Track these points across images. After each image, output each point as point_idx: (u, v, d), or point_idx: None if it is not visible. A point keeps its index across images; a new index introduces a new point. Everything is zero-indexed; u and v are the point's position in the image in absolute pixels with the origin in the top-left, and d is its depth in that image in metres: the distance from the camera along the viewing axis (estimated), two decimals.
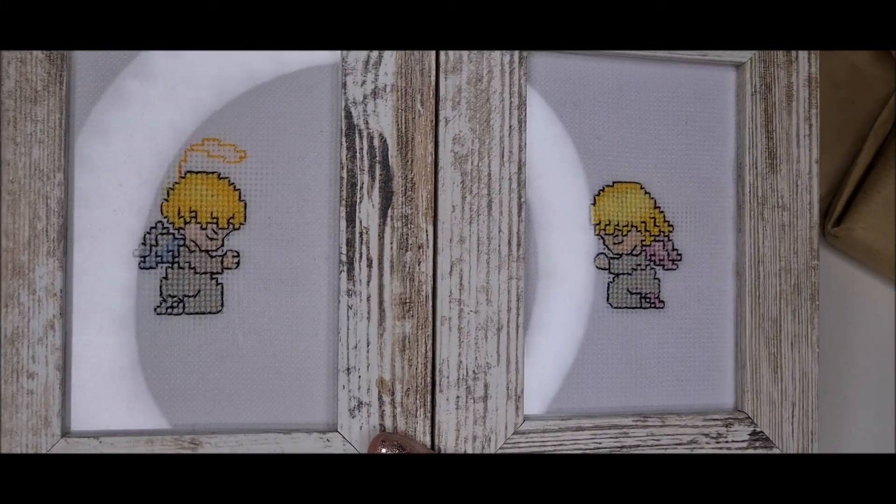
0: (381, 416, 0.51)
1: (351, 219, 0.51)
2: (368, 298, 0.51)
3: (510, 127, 0.53)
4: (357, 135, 0.51)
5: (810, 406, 0.57)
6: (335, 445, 0.50)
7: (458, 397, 0.52)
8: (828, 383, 0.69)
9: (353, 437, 0.50)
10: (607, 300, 0.56)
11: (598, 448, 0.53)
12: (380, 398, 0.51)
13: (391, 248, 0.51)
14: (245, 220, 0.51)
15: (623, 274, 0.56)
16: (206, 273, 0.50)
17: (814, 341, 0.57)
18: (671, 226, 0.57)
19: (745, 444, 0.55)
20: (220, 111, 0.51)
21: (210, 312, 0.50)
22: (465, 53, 0.52)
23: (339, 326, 0.51)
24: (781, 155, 0.57)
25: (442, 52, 0.52)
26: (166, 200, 0.50)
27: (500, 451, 0.52)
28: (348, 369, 0.50)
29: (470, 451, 0.52)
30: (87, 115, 0.49)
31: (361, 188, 0.51)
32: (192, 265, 0.50)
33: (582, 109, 0.55)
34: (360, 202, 0.51)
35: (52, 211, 0.47)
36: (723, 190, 0.57)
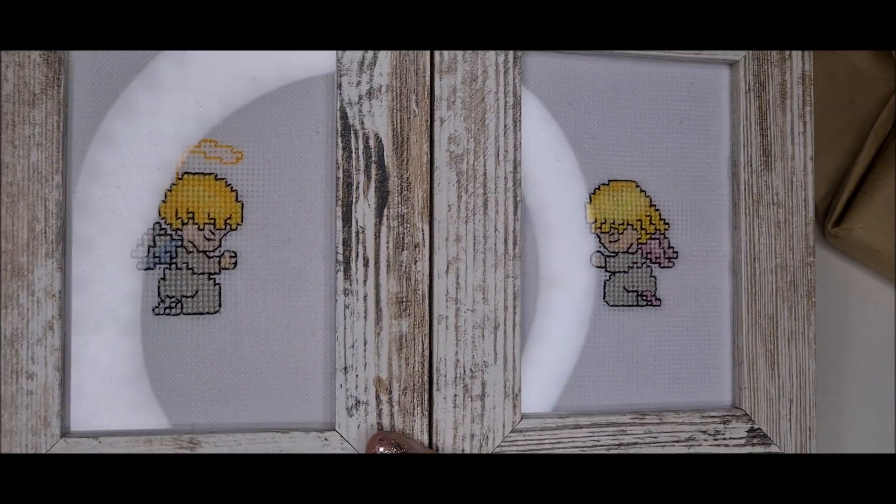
0: (379, 414, 0.51)
1: (347, 218, 0.51)
2: (365, 298, 0.51)
3: (505, 126, 0.53)
4: (353, 135, 0.51)
5: (808, 403, 0.57)
6: (333, 444, 0.50)
7: (455, 396, 0.52)
8: (828, 383, 0.69)
9: (350, 436, 0.50)
10: (604, 298, 0.56)
11: (595, 446, 0.53)
12: (377, 397, 0.51)
13: (387, 247, 0.51)
14: (242, 221, 0.51)
15: (619, 272, 0.56)
16: (203, 273, 0.51)
17: (810, 338, 0.57)
18: (667, 224, 0.57)
19: (742, 441, 0.55)
20: (221, 117, 0.51)
21: (208, 313, 0.51)
22: (459, 53, 0.52)
23: (336, 326, 0.51)
24: (776, 152, 0.57)
25: (436, 53, 0.52)
26: (164, 202, 0.50)
27: (497, 450, 0.52)
28: (346, 368, 0.51)
29: (468, 450, 0.52)
30: (94, 123, 0.49)
31: (357, 188, 0.51)
32: (190, 266, 0.50)
33: (577, 109, 0.56)
34: (357, 202, 0.51)
35: (50, 213, 0.48)
36: (718, 188, 0.58)
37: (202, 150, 0.51)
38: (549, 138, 0.55)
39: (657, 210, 0.57)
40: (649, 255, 0.56)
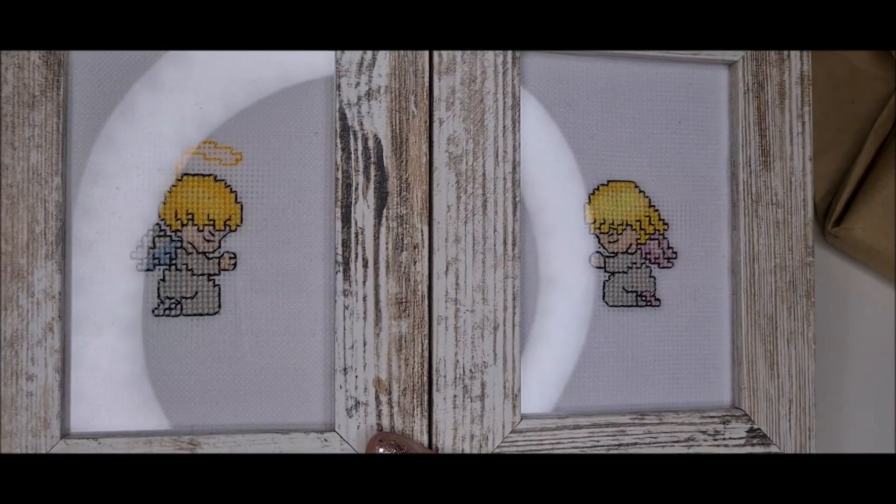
0: (379, 415, 0.51)
1: (346, 219, 0.51)
2: (364, 298, 0.51)
3: (504, 127, 0.53)
4: (352, 136, 0.51)
5: (807, 403, 0.57)
6: (333, 445, 0.50)
7: (455, 396, 0.52)
8: (827, 383, 0.69)
9: (350, 437, 0.50)
10: (603, 299, 0.56)
11: (595, 446, 0.53)
12: (377, 398, 0.51)
13: (387, 248, 0.51)
14: (241, 222, 0.51)
15: (618, 272, 0.56)
16: (203, 275, 0.51)
17: (810, 338, 0.57)
18: (666, 224, 0.57)
19: (742, 442, 0.55)
20: (220, 118, 0.51)
21: (207, 314, 0.51)
22: (458, 54, 0.52)
23: (335, 327, 0.51)
24: (775, 152, 0.57)
25: (435, 54, 0.52)
26: (163, 203, 0.50)
27: (497, 450, 0.52)
28: (345, 369, 0.51)
29: (467, 450, 0.52)
30: (97, 125, 0.50)
31: (357, 189, 0.51)
32: (190, 267, 0.50)
33: (576, 109, 0.56)
34: (356, 203, 0.51)
35: (50, 214, 0.48)
36: (717, 188, 0.58)
37: (202, 151, 0.51)
38: (548, 139, 0.55)
39: (656, 210, 0.57)
40: (648, 256, 0.56)
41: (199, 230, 0.51)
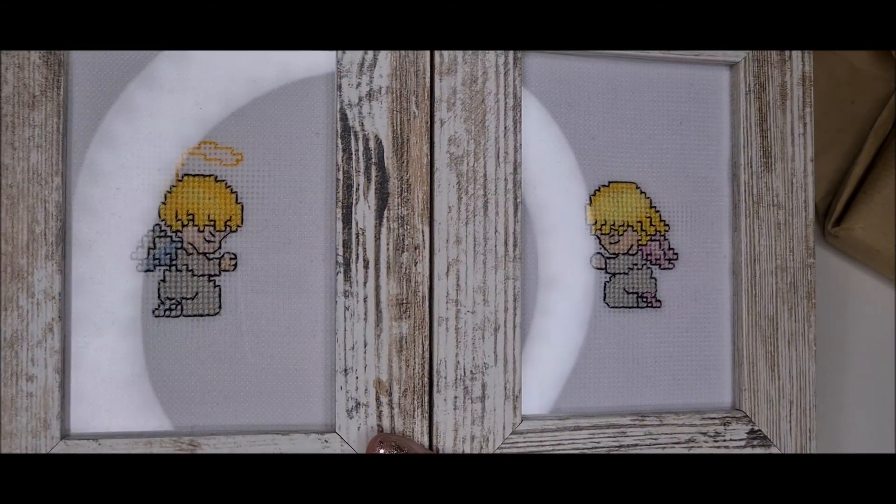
0: (379, 416, 0.51)
1: (347, 220, 0.51)
2: (365, 299, 0.51)
3: (505, 128, 0.53)
4: (353, 137, 0.51)
5: (808, 404, 0.57)
6: (333, 446, 0.50)
7: (455, 397, 0.52)
8: (827, 383, 0.69)
9: (350, 438, 0.50)
10: (604, 300, 0.56)
11: (596, 448, 0.53)
12: (377, 399, 0.51)
13: (387, 249, 0.51)
14: (242, 223, 0.51)
15: (619, 273, 0.56)
16: (203, 275, 0.51)
17: (810, 339, 0.57)
18: (667, 225, 0.57)
19: (742, 443, 0.55)
20: (220, 118, 0.51)
21: (208, 314, 0.51)
22: (459, 55, 0.52)
23: (336, 327, 0.51)
24: (776, 154, 0.57)
25: (436, 54, 0.52)
26: (164, 204, 0.50)
27: (498, 451, 0.52)
28: (346, 370, 0.51)
29: (468, 452, 0.52)
30: (93, 123, 0.49)
31: (357, 190, 0.51)
32: (190, 268, 0.50)
33: (577, 110, 0.56)
34: (357, 204, 0.51)
35: (50, 215, 0.48)
36: (718, 189, 0.58)
37: (202, 151, 0.51)
38: (549, 140, 0.55)
39: (657, 211, 0.57)
40: (649, 257, 0.56)
41: (199, 231, 0.51)
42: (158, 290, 0.50)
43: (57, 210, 0.48)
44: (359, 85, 0.51)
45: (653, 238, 0.56)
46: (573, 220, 0.55)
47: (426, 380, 0.52)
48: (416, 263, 0.52)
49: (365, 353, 0.51)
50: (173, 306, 0.50)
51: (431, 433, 0.52)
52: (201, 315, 0.50)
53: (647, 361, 0.56)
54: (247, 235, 0.51)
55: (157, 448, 0.48)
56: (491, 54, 0.53)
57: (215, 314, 0.51)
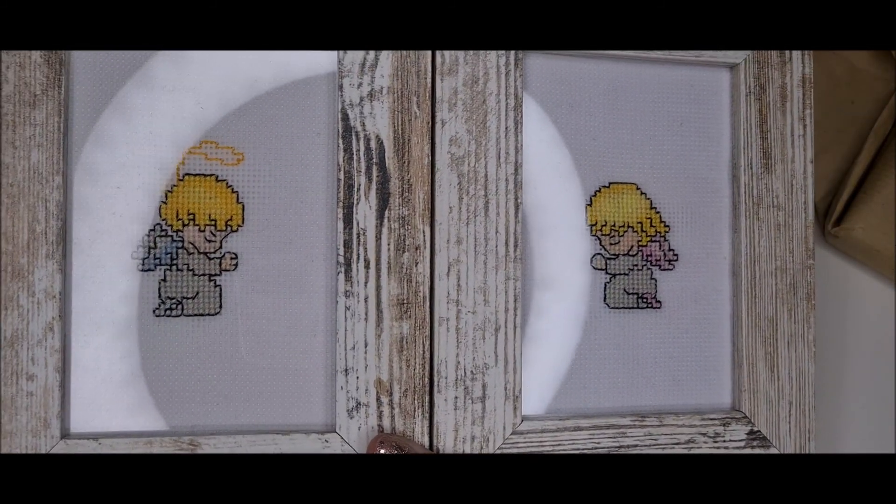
0: (380, 416, 0.51)
1: (348, 220, 0.51)
2: (366, 299, 0.51)
3: (506, 128, 0.53)
4: (354, 137, 0.51)
5: (807, 405, 0.57)
6: (333, 446, 0.50)
7: (456, 398, 0.52)
8: (827, 383, 0.69)
9: (351, 438, 0.50)
10: (604, 301, 0.56)
11: (596, 448, 0.53)
12: (378, 399, 0.51)
13: (388, 249, 0.51)
14: (243, 222, 0.51)
15: (620, 274, 0.56)
16: (204, 275, 0.51)
17: (810, 340, 0.57)
18: (667, 226, 0.57)
19: (742, 444, 0.56)
20: (219, 119, 0.51)
21: (208, 314, 0.51)
22: (460, 55, 0.52)
23: (336, 327, 0.51)
24: (776, 155, 0.57)
25: (438, 55, 0.52)
26: (164, 203, 0.50)
27: (498, 452, 0.52)
28: (346, 370, 0.51)
29: (468, 452, 0.52)
30: (89, 123, 0.49)
31: (358, 190, 0.51)
32: (191, 267, 0.50)
33: (577, 111, 0.56)
34: (358, 204, 0.51)
35: (50, 214, 0.48)
36: (718, 190, 0.58)
37: (203, 151, 0.51)
38: (549, 140, 0.55)
39: (657, 212, 0.57)
40: (650, 258, 0.56)
41: (200, 230, 0.51)
42: (159, 289, 0.50)
43: (58, 209, 0.48)
44: (360, 85, 0.51)
45: (653, 239, 0.57)
46: (573, 221, 0.55)
47: (427, 380, 0.52)
48: (416, 264, 0.52)
49: (366, 353, 0.51)
50: (174, 306, 0.50)
51: (432, 433, 0.52)
52: (202, 315, 0.51)
53: (647, 362, 0.56)
54: (248, 235, 0.51)
55: (158, 448, 0.48)
56: (492, 55, 0.53)
57: (216, 314, 0.51)
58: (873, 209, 0.67)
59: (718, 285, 0.58)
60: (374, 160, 0.51)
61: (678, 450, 0.55)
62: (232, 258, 0.51)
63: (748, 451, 0.56)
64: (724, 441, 0.55)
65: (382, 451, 0.49)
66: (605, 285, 0.56)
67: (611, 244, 0.56)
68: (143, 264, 0.50)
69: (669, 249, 0.57)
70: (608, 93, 0.56)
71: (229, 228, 0.51)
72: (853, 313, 0.71)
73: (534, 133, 0.55)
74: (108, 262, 0.49)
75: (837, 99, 0.70)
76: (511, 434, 0.52)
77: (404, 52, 0.52)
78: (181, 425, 0.50)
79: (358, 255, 0.51)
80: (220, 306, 0.51)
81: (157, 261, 0.50)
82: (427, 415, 0.52)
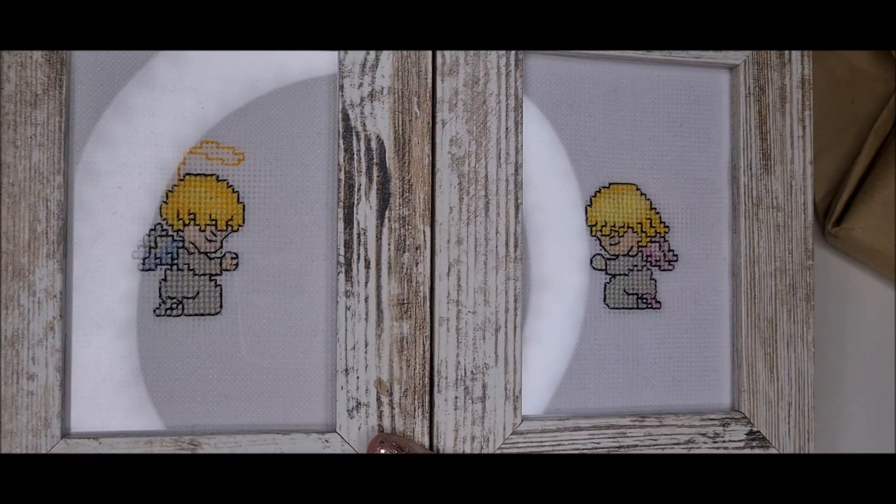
0: (380, 416, 0.51)
1: (349, 220, 0.51)
2: (366, 299, 0.51)
3: (507, 129, 0.53)
4: (354, 137, 0.51)
5: (806, 405, 0.57)
6: (334, 446, 0.50)
7: (456, 398, 0.52)
8: (827, 383, 0.69)
9: (351, 438, 0.51)
10: (604, 301, 0.56)
11: (595, 448, 0.54)
12: (378, 399, 0.51)
13: (389, 249, 0.51)
14: (244, 222, 0.51)
15: (619, 275, 0.56)
16: (204, 275, 0.51)
17: (809, 341, 0.57)
18: (667, 227, 0.57)
19: (741, 444, 0.56)
20: (220, 119, 0.51)
21: (209, 314, 0.51)
22: (461, 56, 0.52)
23: (337, 327, 0.51)
24: (775, 156, 0.57)
25: (438, 55, 0.52)
26: (165, 203, 0.50)
27: (498, 452, 0.52)
28: (346, 370, 0.51)
29: (468, 452, 0.52)
30: (90, 123, 0.49)
31: (359, 190, 0.51)
32: (191, 267, 0.50)
33: (577, 111, 0.56)
34: (358, 204, 0.51)
35: (51, 213, 0.48)
36: (718, 191, 0.58)
37: (204, 151, 0.51)
38: (549, 141, 0.55)
39: (657, 213, 0.57)
40: (649, 258, 0.56)
41: (200, 230, 0.51)
42: (160, 289, 0.50)
43: (58, 209, 0.48)
44: (361, 85, 0.51)
45: (653, 239, 0.57)
46: (573, 222, 0.55)
47: (427, 380, 0.52)
48: (417, 264, 0.52)
49: (366, 353, 0.51)
50: (174, 305, 0.50)
51: (432, 433, 0.52)
52: (202, 314, 0.51)
53: (647, 362, 0.56)
54: (248, 235, 0.51)
55: (158, 447, 0.49)
56: (493, 55, 0.53)
57: (216, 314, 0.51)
58: (873, 209, 0.67)
59: (718, 286, 0.58)
60: (375, 160, 0.51)
61: (678, 450, 0.55)
62: (232, 258, 0.51)
63: (748, 451, 0.56)
64: (724, 441, 0.55)
65: (382, 451, 0.49)
66: (605, 286, 0.56)
67: (611, 245, 0.56)
68: (143, 264, 0.50)
69: (669, 250, 0.57)
70: (608, 94, 0.56)
71: (230, 228, 0.51)
72: (853, 313, 0.71)
73: (534, 134, 0.55)
74: (109, 262, 0.50)
75: (837, 99, 0.70)
76: (511, 434, 0.52)
77: (405, 53, 0.52)
78: (181, 425, 0.50)
79: (358, 255, 0.51)
80: (221, 306, 0.51)
81: (158, 260, 0.50)
82: (427, 415, 0.52)
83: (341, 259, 0.51)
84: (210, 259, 0.51)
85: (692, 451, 0.55)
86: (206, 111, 0.51)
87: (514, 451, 0.52)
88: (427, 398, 0.52)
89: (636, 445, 0.54)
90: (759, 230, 0.56)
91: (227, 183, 0.51)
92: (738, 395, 0.57)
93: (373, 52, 0.51)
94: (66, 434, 0.48)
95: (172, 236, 0.50)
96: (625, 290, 0.56)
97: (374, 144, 0.51)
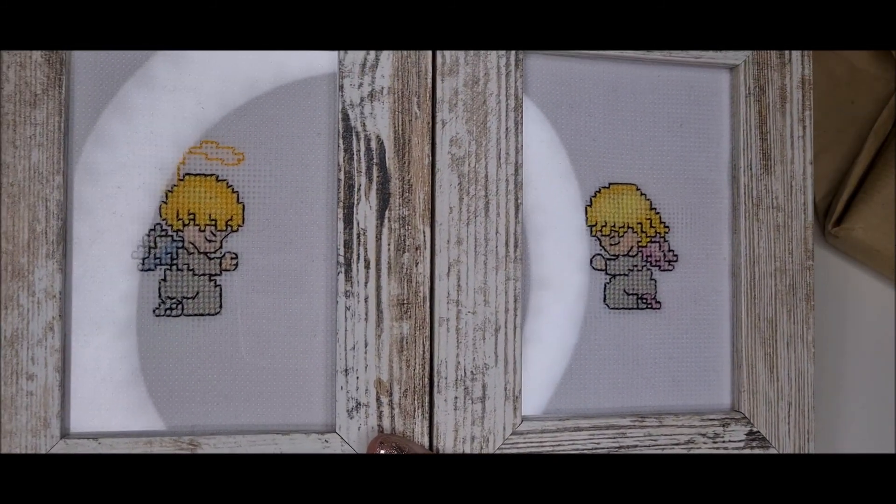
0: (380, 416, 0.51)
1: (348, 220, 0.51)
2: (366, 300, 0.51)
3: (507, 129, 0.53)
4: (354, 137, 0.51)
5: (806, 406, 0.57)
6: (333, 446, 0.50)
7: (456, 398, 0.52)
8: (827, 383, 0.69)
9: (351, 438, 0.51)
10: (604, 301, 0.56)
11: (595, 448, 0.54)
12: (378, 399, 0.51)
13: (389, 249, 0.51)
14: (243, 222, 0.51)
15: (619, 275, 0.56)
16: (204, 275, 0.51)
17: (809, 341, 0.57)
18: (667, 227, 0.57)
19: (741, 444, 0.56)
20: (220, 119, 0.51)
21: (208, 314, 0.51)
22: (461, 56, 0.52)
23: (336, 328, 0.51)
24: (776, 156, 0.57)
25: (438, 55, 0.52)
26: (165, 203, 0.50)
27: (498, 452, 0.52)
28: (346, 370, 0.51)
29: (468, 452, 0.52)
30: (90, 123, 0.49)
31: (359, 190, 0.51)
32: (191, 267, 0.50)
33: (577, 112, 0.56)
34: (358, 204, 0.51)
35: (51, 213, 0.48)
36: (718, 191, 0.58)
37: (203, 151, 0.51)
38: (549, 141, 0.55)
39: (657, 213, 0.57)
40: (649, 258, 0.56)
41: (200, 230, 0.51)
42: (159, 289, 0.50)
43: (58, 209, 0.48)
44: (360, 85, 0.51)
45: (653, 240, 0.57)
46: (573, 222, 0.55)
47: (427, 380, 0.52)
48: (417, 264, 0.52)
49: (366, 353, 0.51)
50: (174, 306, 0.50)
51: (432, 433, 0.52)
52: (202, 314, 0.51)
53: (647, 363, 0.56)
54: (248, 235, 0.51)
55: (158, 448, 0.49)
56: (493, 55, 0.53)
57: (216, 314, 0.51)
58: (873, 209, 0.67)
59: (718, 286, 0.58)
60: (375, 160, 0.51)
61: (678, 450, 0.55)
62: (232, 258, 0.51)
63: (747, 451, 0.56)
64: (724, 441, 0.55)
65: (382, 452, 0.49)
66: (605, 286, 0.56)
67: (611, 245, 0.56)
68: (143, 264, 0.50)
69: (669, 250, 0.57)
70: (608, 94, 0.56)
71: (229, 228, 0.51)
72: (853, 314, 0.71)
73: (534, 133, 0.55)
74: (109, 262, 0.50)
75: (837, 99, 0.70)
76: (511, 434, 0.52)
77: (405, 53, 0.52)
78: (181, 425, 0.50)
79: (358, 255, 0.51)
80: (221, 306, 0.51)
81: (158, 260, 0.50)
82: (427, 415, 0.52)
83: (341, 259, 0.51)
84: (210, 259, 0.51)
85: (692, 452, 0.55)
86: (205, 111, 0.51)
87: (514, 451, 0.52)
88: (427, 398, 0.52)
89: (636, 446, 0.54)
90: (759, 230, 0.56)
91: (227, 183, 0.51)
92: (737, 396, 0.57)
93: (373, 52, 0.51)
94: (65, 434, 0.48)
95: (172, 236, 0.50)
96: (625, 291, 0.56)
97: (373, 144, 0.51)
